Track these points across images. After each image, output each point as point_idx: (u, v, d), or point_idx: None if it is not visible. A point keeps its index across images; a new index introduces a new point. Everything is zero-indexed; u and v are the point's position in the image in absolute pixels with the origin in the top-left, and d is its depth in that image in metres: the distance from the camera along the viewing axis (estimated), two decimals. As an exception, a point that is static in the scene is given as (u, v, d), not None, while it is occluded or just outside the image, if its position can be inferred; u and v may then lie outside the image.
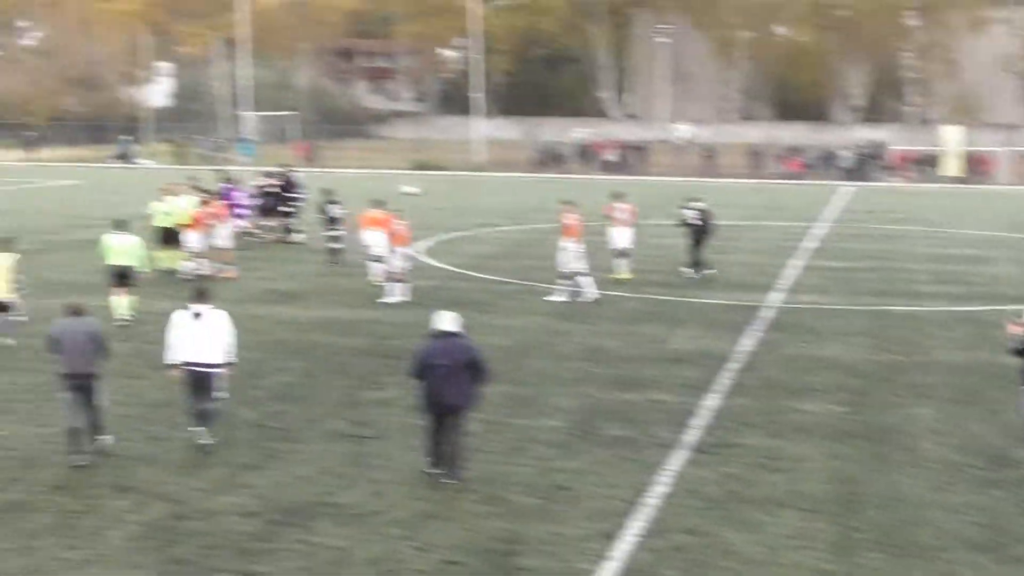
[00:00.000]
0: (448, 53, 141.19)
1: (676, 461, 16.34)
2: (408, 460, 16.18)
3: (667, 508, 14.59)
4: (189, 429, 16.75)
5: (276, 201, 39.16)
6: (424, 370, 15.27)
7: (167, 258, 31.55)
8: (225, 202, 34.57)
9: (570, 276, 28.57)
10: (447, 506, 14.58)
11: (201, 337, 16.30)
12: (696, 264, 32.20)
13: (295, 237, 38.67)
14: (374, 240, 30.09)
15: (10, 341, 22.77)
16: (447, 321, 15.45)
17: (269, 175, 40.38)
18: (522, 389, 20.15)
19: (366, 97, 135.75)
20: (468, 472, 15.53)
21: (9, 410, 18.57)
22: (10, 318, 23.12)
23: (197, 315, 16.41)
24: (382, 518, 14.16)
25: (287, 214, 39.18)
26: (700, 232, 32.28)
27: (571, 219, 28.88)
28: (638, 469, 15.97)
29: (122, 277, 25.41)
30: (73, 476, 15.46)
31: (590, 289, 28.63)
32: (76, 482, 15.22)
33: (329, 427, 17.84)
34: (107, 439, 16.37)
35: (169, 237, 31.59)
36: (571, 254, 28.47)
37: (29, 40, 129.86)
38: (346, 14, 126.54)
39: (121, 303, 25.41)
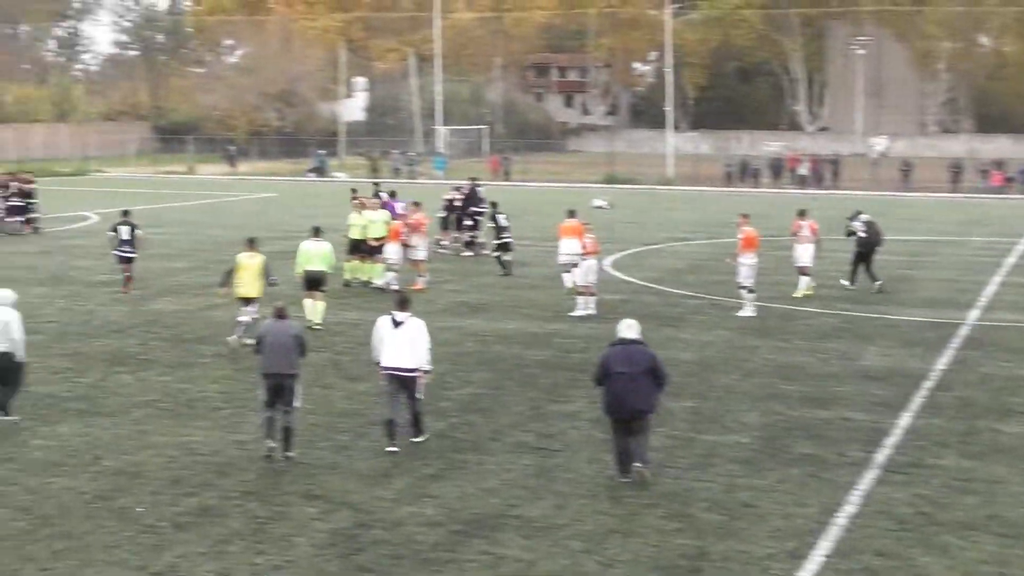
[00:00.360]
0: (640, 66, 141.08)
1: (867, 481, 15.93)
2: (593, 473, 16.13)
3: (857, 529, 14.22)
4: (389, 431, 17.20)
5: (461, 214, 39.61)
6: (606, 376, 15.66)
7: (360, 269, 32.15)
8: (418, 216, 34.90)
9: (752, 289, 28.26)
10: (631, 521, 14.46)
11: (400, 344, 16.85)
12: (852, 277, 32.18)
13: (482, 250, 39.00)
14: (569, 249, 30.15)
15: (246, 341, 22.91)
16: (629, 329, 15.84)
17: (457, 189, 40.86)
18: (709, 404, 19.92)
19: (558, 111, 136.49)
20: (654, 487, 15.41)
21: (205, 416, 19.09)
22: (241, 319, 24.09)
23: (398, 323, 16.93)
24: (566, 531, 14.12)
25: (471, 227, 39.55)
26: (867, 245, 32.00)
27: (748, 232, 28.49)
28: (827, 488, 15.62)
29: (315, 282, 26.19)
30: (264, 483, 15.80)
31: (749, 307, 28.34)
32: (267, 489, 15.55)
33: (515, 439, 17.89)
34: (291, 454, 16.76)
35: (362, 249, 32.14)
36: (747, 268, 28.14)
37: (233, 58, 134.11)
38: (539, 28, 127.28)
39: (315, 309, 26.14)
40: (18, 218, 45.92)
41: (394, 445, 16.99)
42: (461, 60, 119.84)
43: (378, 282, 31.73)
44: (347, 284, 31.89)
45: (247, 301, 24.18)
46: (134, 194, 66.82)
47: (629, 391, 15.49)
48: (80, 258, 36.60)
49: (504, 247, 35.28)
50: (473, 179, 42.34)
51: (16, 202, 45.94)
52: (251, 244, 24.84)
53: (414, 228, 32.66)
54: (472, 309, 29.17)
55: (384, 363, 16.94)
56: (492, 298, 30.92)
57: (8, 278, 32.93)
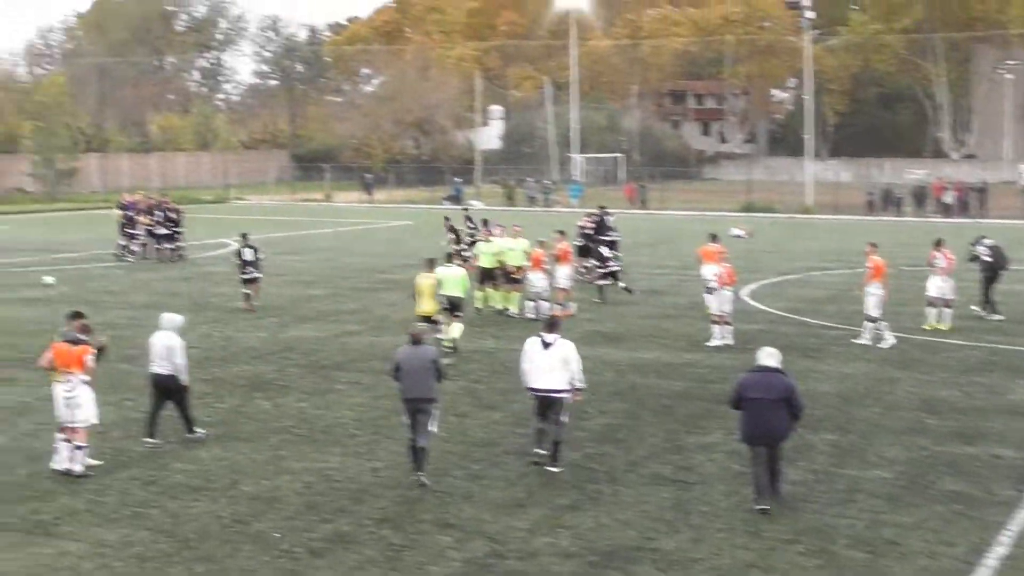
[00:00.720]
0: (778, 93, 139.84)
1: (1018, 521, 15.46)
2: (730, 506, 15.91)
3: (1008, 571, 13.80)
4: (534, 451, 17.56)
5: (592, 242, 39.46)
6: (741, 401, 15.89)
7: (494, 297, 32.25)
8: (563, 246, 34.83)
9: (876, 320, 27.89)
10: (770, 556, 14.22)
11: (550, 365, 17.19)
12: (985, 305, 31.85)
13: (614, 279, 38.90)
14: (710, 274, 29.93)
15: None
16: (768, 357, 16.03)
17: (589, 216, 40.85)
18: (850, 438, 19.54)
19: (695, 138, 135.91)
20: (794, 522, 15.15)
21: (341, 442, 19.26)
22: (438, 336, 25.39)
23: (547, 344, 17.25)
24: (702, 565, 13.94)
25: (603, 255, 39.35)
26: (992, 269, 31.78)
27: (876, 262, 28.02)
28: (975, 527, 15.20)
29: (452, 307, 26.67)
30: (398, 510, 15.87)
31: (866, 336, 27.94)
32: (401, 516, 15.61)
33: (651, 470, 17.74)
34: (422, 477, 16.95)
35: (494, 276, 32.23)
36: (875, 298, 27.71)
37: (370, 87, 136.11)
38: (676, 55, 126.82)
39: (451, 330, 26.60)
40: (167, 245, 46.93)
41: (542, 448, 17.42)
42: (597, 87, 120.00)
43: (514, 311, 31.82)
44: (479, 311, 32.01)
45: (427, 319, 25.33)
46: (273, 221, 68.05)
47: (763, 418, 15.67)
48: (220, 284, 37.29)
49: (608, 275, 35.83)
50: (602, 207, 42.24)
51: (164, 229, 46.90)
52: (430, 265, 26.29)
53: (559, 257, 32.68)
54: (608, 338, 29.05)
55: (536, 385, 17.32)
56: (628, 327, 30.78)
57: (152, 304, 33.73)
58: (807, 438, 18.90)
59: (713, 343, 27.83)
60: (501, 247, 32.68)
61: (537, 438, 17.61)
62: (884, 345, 27.55)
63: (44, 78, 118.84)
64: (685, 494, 16.56)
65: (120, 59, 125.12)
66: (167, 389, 19.13)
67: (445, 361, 24.35)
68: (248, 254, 33.65)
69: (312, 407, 21.72)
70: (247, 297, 33.32)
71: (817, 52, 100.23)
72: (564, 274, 32.68)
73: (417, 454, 16.92)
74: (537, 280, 31.59)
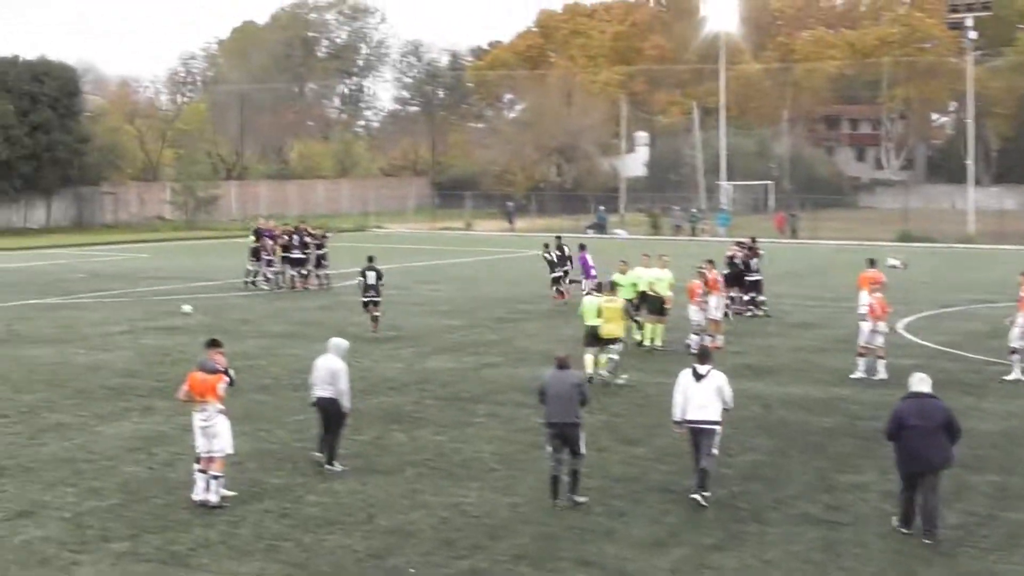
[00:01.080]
0: (938, 117, 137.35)
1: None
2: (884, 548, 15.63)
3: None
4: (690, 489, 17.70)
5: (739, 272, 39.18)
6: (900, 430, 15.98)
7: (634, 329, 32.04)
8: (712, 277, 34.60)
9: (1016, 351, 27.49)
10: (925, 603, 13.93)
11: (703, 396, 17.57)
12: None
13: (759, 310, 38.61)
14: (863, 301, 29.54)
15: (621, 379, 26.51)
16: (921, 382, 16.21)
17: (739, 245, 40.63)
18: (1014, 480, 19.07)
19: (848, 165, 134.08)
20: (952, 567, 14.81)
21: (478, 477, 19.33)
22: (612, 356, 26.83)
23: (700, 376, 17.65)
24: (853, 611, 13.69)
25: (753, 285, 39.07)
26: None
27: None
28: None
29: (596, 337, 26.86)
30: (537, 546, 15.86)
31: (1016, 371, 27.45)
32: (539, 553, 15.60)
33: (799, 510, 17.50)
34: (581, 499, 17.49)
35: (634, 307, 32.02)
36: (1020, 330, 27.25)
37: (512, 113, 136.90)
38: (830, 79, 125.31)
39: (598, 361, 26.86)
40: (301, 270, 47.24)
41: (702, 475, 17.62)
42: (746, 112, 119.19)
43: (659, 343, 31.68)
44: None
45: (611, 341, 26.57)
46: (412, 250, 68.79)
47: (924, 445, 15.78)
48: (359, 314, 37.72)
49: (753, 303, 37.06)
50: (753, 239, 41.95)
51: (299, 253, 47.24)
52: (612, 288, 28.24)
53: (710, 287, 32.51)
54: (755, 372, 28.75)
55: (689, 417, 17.64)
56: (777, 360, 30.45)
57: (288, 333, 34.33)
58: (967, 479, 18.49)
59: (856, 375, 27.62)
60: (642, 277, 32.57)
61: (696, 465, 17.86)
62: (1009, 377, 27.10)
63: (185, 106, 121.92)
64: (835, 535, 16.29)
65: (261, 86, 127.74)
66: (327, 412, 19.55)
67: (620, 380, 26.33)
68: (372, 277, 35.37)
69: (449, 440, 21.85)
70: (375, 320, 35.00)
71: (980, 73, 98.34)
72: (715, 304, 32.43)
73: (572, 477, 17.57)
74: (693, 313, 31.36)
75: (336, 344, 19.80)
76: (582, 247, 41.71)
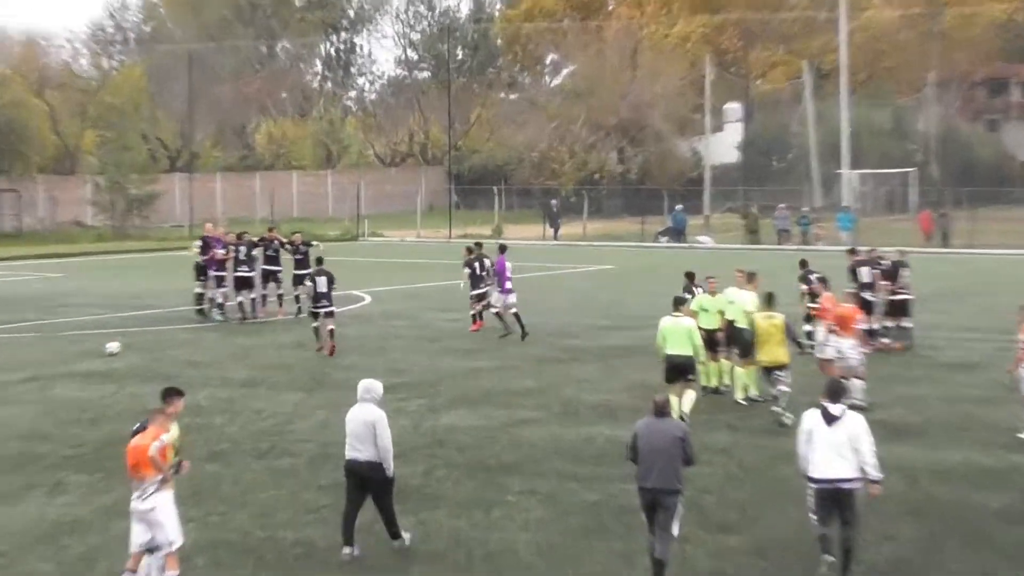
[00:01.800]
0: None
1: None
2: None
3: None
4: (823, 557, 18.12)
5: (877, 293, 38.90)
6: None
7: (714, 371, 31.61)
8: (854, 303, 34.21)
9: None
10: None
11: (837, 445, 17.74)
12: None
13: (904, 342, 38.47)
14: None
15: (787, 419, 27.27)
16: None
17: (869, 252, 40.45)
18: None
19: (1020, 146, 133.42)
20: None
21: (511, 577, 19.11)
22: (780, 387, 28.49)
23: (831, 418, 17.80)
24: None
25: (900, 309, 38.75)
26: None
27: None
28: None
29: (679, 370, 27.52)
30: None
31: None
32: None
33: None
34: None
35: (715, 342, 31.50)
36: None
37: (557, 79, 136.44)
38: (996, 29, 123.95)
39: (682, 402, 27.33)
40: (245, 292, 46.70)
41: (830, 554, 18.07)
42: (877, 75, 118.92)
43: (754, 393, 31.09)
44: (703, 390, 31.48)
45: (776, 368, 28.27)
46: (419, 265, 68.75)
47: None
48: (344, 354, 37.51)
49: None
50: (900, 251, 41.66)
51: (244, 271, 46.66)
52: (769, 303, 29.33)
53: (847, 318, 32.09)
54: (896, 431, 28.38)
55: (817, 474, 17.80)
56: (925, 415, 30.17)
57: (251, 380, 34.16)
58: None
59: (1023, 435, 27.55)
60: (719, 302, 32.08)
61: (824, 545, 18.00)
62: None
63: (114, 72, 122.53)
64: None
65: (216, 45, 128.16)
66: (366, 480, 19.60)
67: (786, 420, 27.04)
68: (322, 283, 38.01)
69: (470, 526, 21.63)
70: (331, 334, 37.45)
71: None
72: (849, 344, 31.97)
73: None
74: (848, 348, 30.70)
75: (368, 387, 19.92)
76: (503, 249, 43.63)
